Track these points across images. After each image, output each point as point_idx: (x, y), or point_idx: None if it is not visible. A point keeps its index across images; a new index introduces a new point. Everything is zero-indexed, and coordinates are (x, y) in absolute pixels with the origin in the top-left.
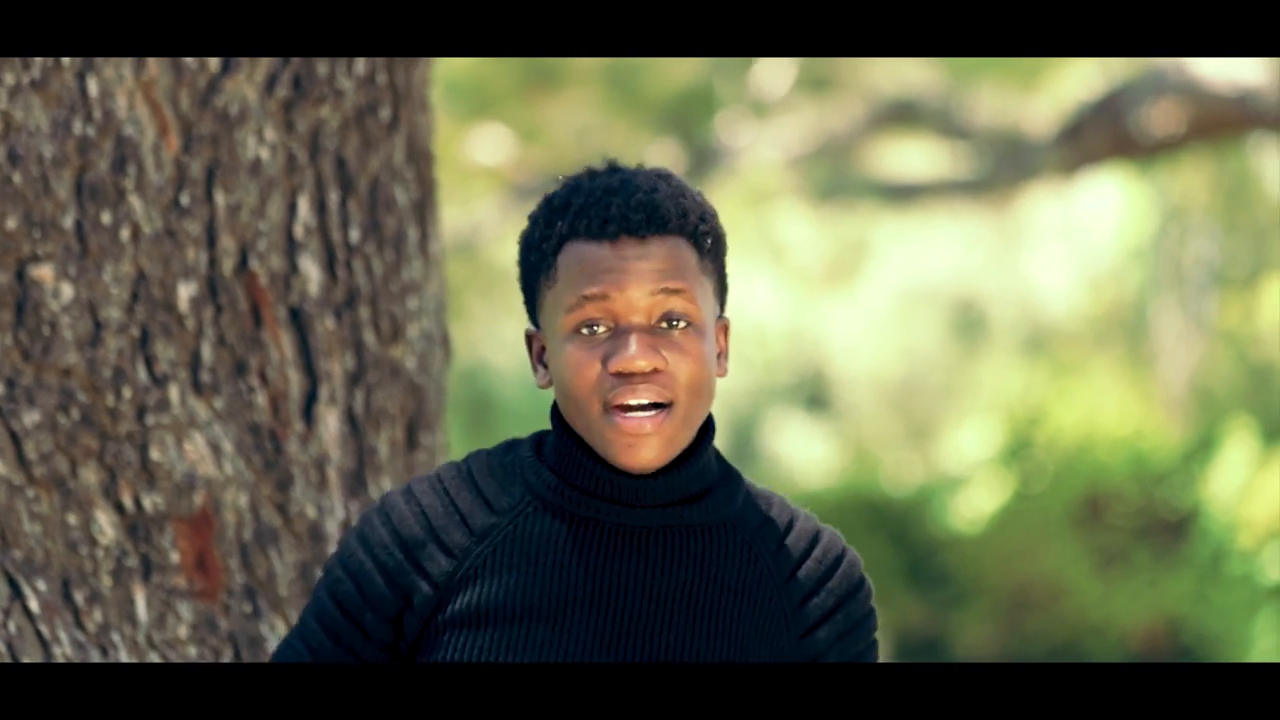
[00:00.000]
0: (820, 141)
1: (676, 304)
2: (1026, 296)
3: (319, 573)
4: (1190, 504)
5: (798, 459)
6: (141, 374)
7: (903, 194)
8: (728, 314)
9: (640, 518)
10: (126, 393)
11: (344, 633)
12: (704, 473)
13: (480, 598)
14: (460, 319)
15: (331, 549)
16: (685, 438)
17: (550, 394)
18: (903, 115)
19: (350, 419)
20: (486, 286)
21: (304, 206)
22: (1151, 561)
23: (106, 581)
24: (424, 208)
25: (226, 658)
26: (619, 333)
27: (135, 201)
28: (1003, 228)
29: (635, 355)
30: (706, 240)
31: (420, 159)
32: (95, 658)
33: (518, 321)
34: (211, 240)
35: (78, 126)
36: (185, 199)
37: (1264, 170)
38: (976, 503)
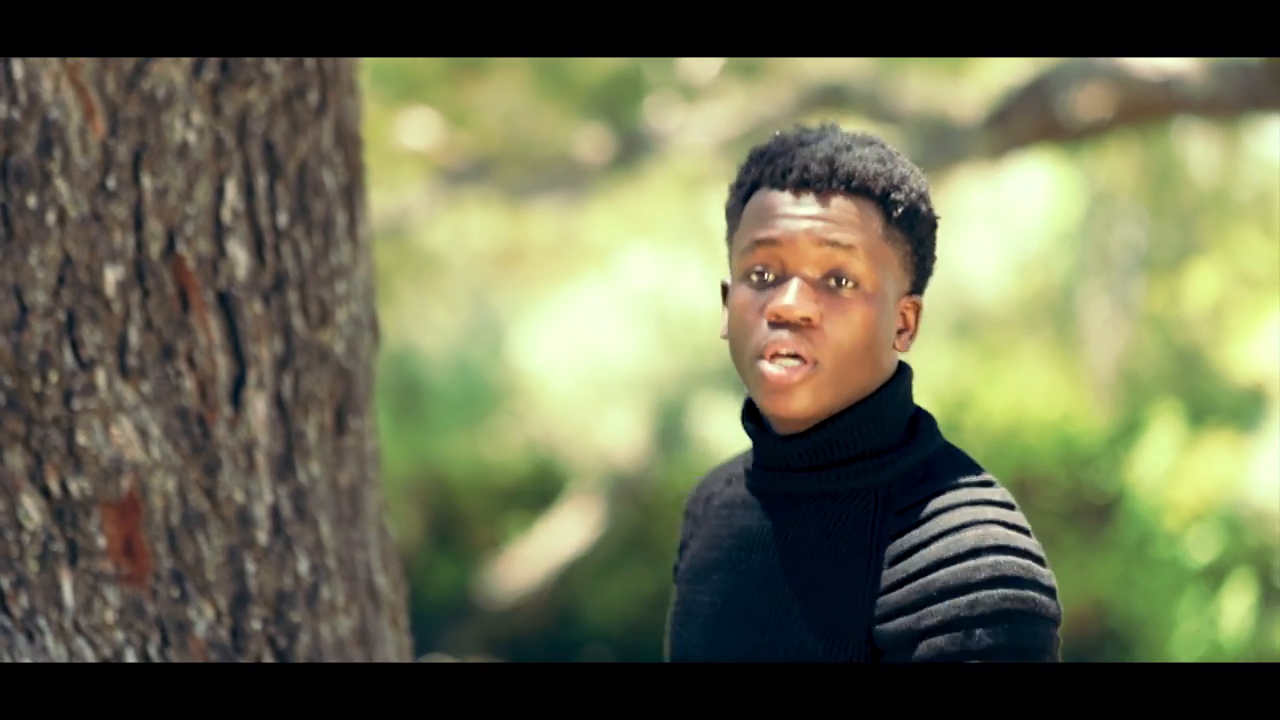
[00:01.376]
0: (750, 126)
1: (845, 260)
2: (954, 281)
3: (247, 557)
4: (1117, 487)
5: (727, 443)
6: (68, 358)
7: None
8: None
9: (779, 483)
10: (53, 377)
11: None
12: (851, 442)
13: (684, 561)
14: (389, 303)
15: (259, 533)
16: (839, 399)
17: None
18: (831, 100)
19: (278, 403)
20: (415, 271)
21: (232, 190)
22: (1079, 544)
23: (33, 567)
24: (352, 192)
25: (154, 643)
26: (783, 279)
27: (61, 185)
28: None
29: (790, 301)
30: (897, 207)
31: (348, 143)
32: (21, 643)
33: (447, 306)
34: (138, 224)
35: (2, 109)
36: (112, 182)
37: (1189, 155)
38: None
